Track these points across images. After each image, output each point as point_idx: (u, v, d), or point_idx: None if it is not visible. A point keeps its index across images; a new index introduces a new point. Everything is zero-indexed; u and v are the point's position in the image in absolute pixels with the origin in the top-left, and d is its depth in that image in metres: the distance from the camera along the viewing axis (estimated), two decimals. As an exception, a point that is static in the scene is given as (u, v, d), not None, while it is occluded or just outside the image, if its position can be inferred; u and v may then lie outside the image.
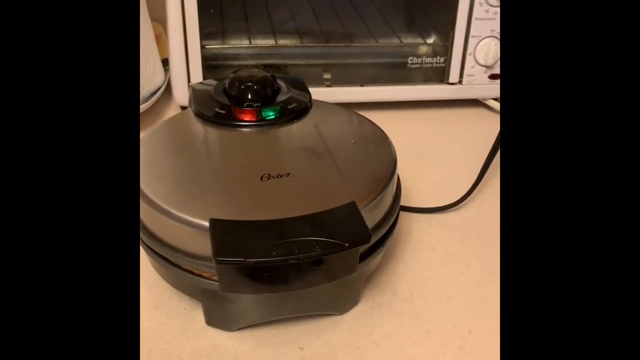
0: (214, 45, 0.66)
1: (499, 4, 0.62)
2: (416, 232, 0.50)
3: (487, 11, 0.63)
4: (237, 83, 0.46)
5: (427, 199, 0.54)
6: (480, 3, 0.62)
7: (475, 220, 0.52)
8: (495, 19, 0.63)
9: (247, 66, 0.66)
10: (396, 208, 0.41)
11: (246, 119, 0.44)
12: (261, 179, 0.38)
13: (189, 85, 0.62)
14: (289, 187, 0.37)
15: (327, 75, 0.66)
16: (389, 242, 0.41)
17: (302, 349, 0.38)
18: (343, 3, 0.69)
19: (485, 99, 0.70)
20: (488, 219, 0.52)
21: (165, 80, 0.66)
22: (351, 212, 0.35)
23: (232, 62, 0.68)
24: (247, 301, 0.37)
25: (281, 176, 0.38)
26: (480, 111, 0.71)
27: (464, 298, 0.43)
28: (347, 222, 0.34)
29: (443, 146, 0.64)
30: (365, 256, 0.38)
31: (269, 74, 0.47)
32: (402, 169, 0.59)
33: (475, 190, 0.53)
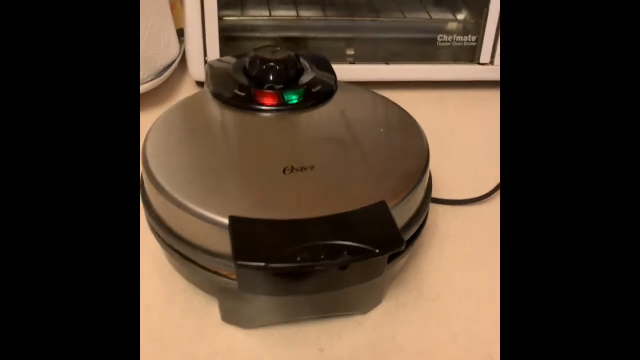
0: (232, 17, 0.63)
1: (539, -22, 0.58)
2: (442, 226, 0.47)
3: (525, -14, 0.58)
4: (258, 62, 0.43)
5: (454, 189, 0.51)
6: (518, -23, 0.58)
7: (505, 213, 0.49)
8: (534, -5, 0.59)
9: (267, 41, 0.63)
10: (427, 205, 0.38)
11: (267, 102, 0.41)
12: (283, 171, 0.35)
13: (205, 61, 0.59)
14: (314, 182, 0.35)
15: (350, 51, 0.62)
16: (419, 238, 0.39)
17: (322, 350, 0.36)
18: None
19: (516, 81, 0.66)
20: (519, 213, 0.49)
21: (180, 52, 0.63)
22: (382, 212, 0.32)
23: (250, 34, 0.64)
24: (266, 301, 0.35)
25: (305, 169, 0.35)
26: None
27: (494, 300, 0.40)
28: (377, 224, 0.32)
29: (472, 131, 0.60)
30: (392, 257, 0.35)
31: (292, 53, 0.44)
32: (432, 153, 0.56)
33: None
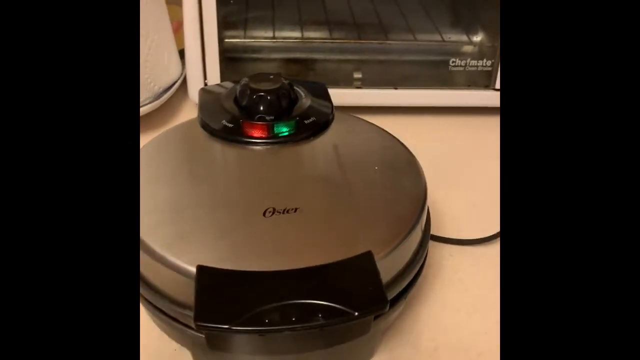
0: (234, 39, 0.61)
1: None
2: (447, 267, 0.44)
3: (545, 8, 0.54)
4: (248, 92, 0.40)
5: (464, 225, 0.48)
6: None
7: (517, 256, 0.45)
8: (554, 17, 0.55)
9: (271, 63, 0.61)
10: (423, 252, 0.35)
11: (256, 135, 0.39)
12: (264, 214, 0.32)
13: (205, 84, 0.57)
14: (295, 227, 0.31)
15: (357, 75, 0.59)
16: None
17: (303, 411, 0.33)
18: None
19: (536, 107, 0.62)
20: (531, 256, 0.45)
21: (182, 74, 0.61)
22: (366, 265, 0.29)
23: (254, 56, 0.62)
24: (242, 356, 0.32)
25: (287, 211, 0.32)
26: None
27: (496, 355, 0.36)
28: (359, 279, 0.28)
29: (485, 161, 0.56)
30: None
31: (286, 81, 0.41)
32: (434, 188, 0.52)
33: (519, 220, 0.46)
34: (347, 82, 0.59)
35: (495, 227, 0.46)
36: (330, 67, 0.62)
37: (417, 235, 0.34)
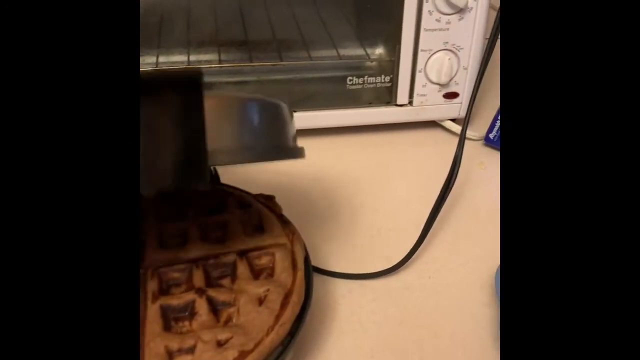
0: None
1: (451, 11, 0.52)
2: (344, 306, 0.40)
3: (438, 20, 0.52)
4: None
5: (366, 254, 0.45)
6: (429, 11, 0.52)
7: (418, 286, 0.42)
8: (448, 29, 0.53)
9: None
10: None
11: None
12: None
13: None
14: None
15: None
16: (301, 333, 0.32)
17: None
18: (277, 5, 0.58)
19: (441, 120, 0.60)
20: (434, 285, 0.42)
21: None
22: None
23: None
24: None
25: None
26: (436, 134, 0.61)
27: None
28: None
29: (390, 180, 0.54)
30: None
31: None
32: (336, 213, 0.49)
33: (421, 246, 0.43)
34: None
35: (397, 252, 0.43)
36: (226, 89, 0.58)
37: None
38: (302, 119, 0.55)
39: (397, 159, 0.57)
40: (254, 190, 0.42)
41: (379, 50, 0.61)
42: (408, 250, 0.43)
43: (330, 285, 0.42)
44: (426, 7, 0.52)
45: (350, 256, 0.45)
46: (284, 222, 0.39)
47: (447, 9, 0.52)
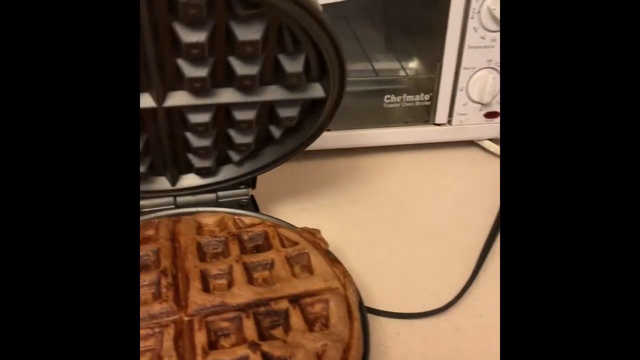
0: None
1: (498, 28, 0.50)
2: (394, 350, 0.38)
3: (483, 37, 0.50)
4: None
5: (410, 288, 0.42)
6: (474, 28, 0.49)
7: (470, 326, 0.40)
8: (493, 46, 0.50)
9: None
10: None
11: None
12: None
13: None
14: None
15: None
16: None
17: None
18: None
19: (480, 140, 0.58)
20: (485, 326, 0.40)
21: None
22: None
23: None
24: None
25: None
26: (473, 153, 0.58)
27: None
28: None
29: (428, 204, 0.51)
30: None
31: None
32: (374, 242, 0.47)
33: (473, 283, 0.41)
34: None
35: (445, 288, 0.41)
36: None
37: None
38: (336, 138, 0.53)
39: (434, 180, 0.54)
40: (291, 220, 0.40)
41: (413, 64, 0.58)
42: (455, 284, 0.41)
43: (376, 324, 0.40)
44: (471, 23, 0.49)
45: (394, 290, 0.42)
46: (332, 259, 0.37)
47: (493, 26, 0.49)
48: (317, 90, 0.38)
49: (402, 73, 0.58)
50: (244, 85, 0.35)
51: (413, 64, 0.58)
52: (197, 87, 0.35)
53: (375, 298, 0.41)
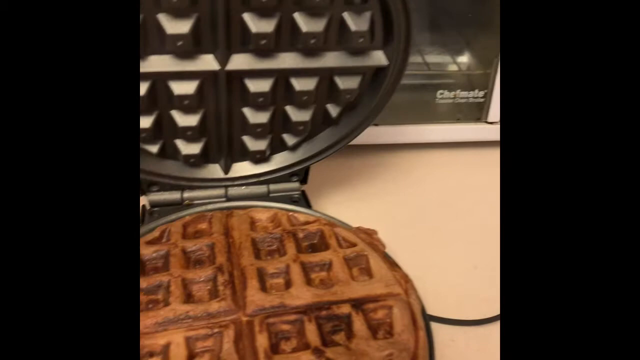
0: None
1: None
2: (450, 358, 0.37)
3: (545, 34, 0.48)
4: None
5: (463, 294, 0.41)
6: (537, 24, 0.47)
7: (528, 336, 0.38)
8: (555, 44, 0.48)
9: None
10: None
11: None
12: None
13: None
14: None
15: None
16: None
17: None
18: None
19: (530, 140, 0.55)
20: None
21: None
22: None
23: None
24: None
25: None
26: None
27: None
28: None
29: (479, 204, 0.50)
30: None
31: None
32: (424, 244, 0.45)
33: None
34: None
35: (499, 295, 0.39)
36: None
37: None
38: (386, 133, 0.51)
39: (486, 180, 0.53)
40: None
41: (463, 59, 0.56)
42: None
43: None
44: (534, 19, 0.47)
45: (446, 295, 0.41)
46: (391, 263, 0.36)
47: (557, 23, 0.47)
48: (379, 58, 0.37)
49: (453, 67, 0.56)
50: (309, 45, 0.35)
51: (463, 58, 0.56)
52: (262, 46, 0.34)
53: (427, 302, 0.40)
